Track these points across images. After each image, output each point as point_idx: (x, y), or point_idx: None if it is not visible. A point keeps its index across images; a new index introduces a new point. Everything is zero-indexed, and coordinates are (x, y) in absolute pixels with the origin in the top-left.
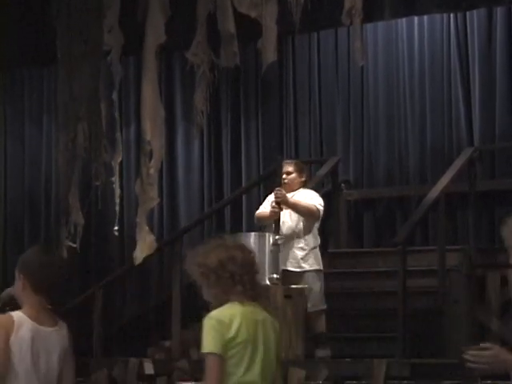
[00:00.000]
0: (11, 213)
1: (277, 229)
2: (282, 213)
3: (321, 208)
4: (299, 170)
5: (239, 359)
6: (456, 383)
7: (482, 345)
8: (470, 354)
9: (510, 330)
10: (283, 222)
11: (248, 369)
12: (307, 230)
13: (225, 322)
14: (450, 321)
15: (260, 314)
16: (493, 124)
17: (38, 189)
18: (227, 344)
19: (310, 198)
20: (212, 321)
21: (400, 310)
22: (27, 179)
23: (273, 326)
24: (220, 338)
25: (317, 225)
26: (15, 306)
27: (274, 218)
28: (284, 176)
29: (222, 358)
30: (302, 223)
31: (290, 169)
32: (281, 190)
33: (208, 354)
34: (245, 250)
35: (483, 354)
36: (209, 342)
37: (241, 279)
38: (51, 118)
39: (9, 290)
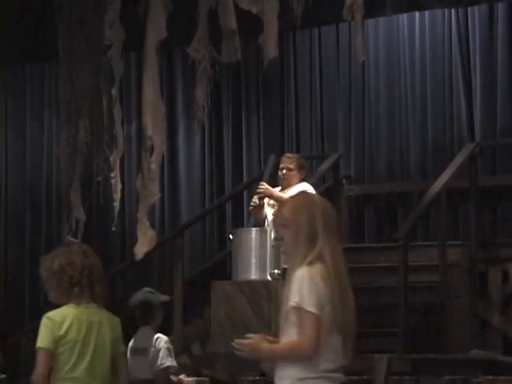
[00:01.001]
0: (13, 208)
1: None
2: (270, 210)
3: None
4: (299, 167)
5: (68, 356)
6: (457, 378)
7: (247, 335)
8: (237, 343)
9: (510, 325)
10: (272, 219)
11: (75, 365)
12: None
13: (57, 321)
14: (451, 316)
15: (96, 316)
16: (494, 119)
17: (40, 184)
18: (58, 341)
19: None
20: (46, 319)
21: (401, 306)
22: (29, 175)
23: (110, 326)
24: (51, 335)
25: None
26: (147, 310)
27: (258, 212)
28: (284, 171)
29: (50, 352)
30: None
31: (292, 165)
32: (263, 184)
33: (39, 348)
34: (88, 255)
35: (244, 343)
36: (41, 338)
37: (79, 283)
38: (52, 114)
39: (139, 295)
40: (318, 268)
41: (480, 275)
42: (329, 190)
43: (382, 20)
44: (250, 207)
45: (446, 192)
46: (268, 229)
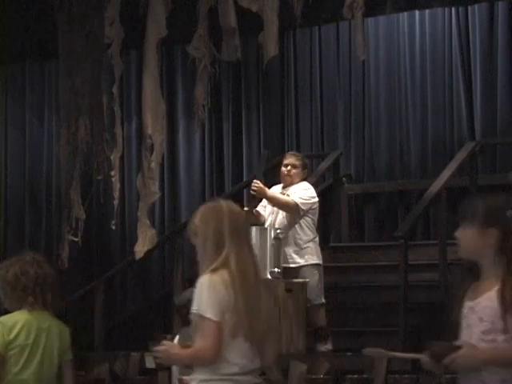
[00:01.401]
0: (12, 206)
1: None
2: (267, 209)
3: (301, 201)
4: (304, 165)
5: (17, 359)
6: (457, 377)
7: (162, 342)
8: (154, 350)
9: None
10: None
11: (23, 368)
12: (293, 225)
13: (7, 325)
14: (451, 314)
15: (47, 322)
16: (494, 118)
17: (40, 183)
18: (8, 345)
19: (303, 189)
20: None
21: (401, 304)
22: (28, 173)
23: (59, 333)
24: (1, 339)
25: (311, 218)
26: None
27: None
28: (289, 168)
29: (1, 356)
30: (285, 219)
31: (297, 163)
32: (258, 183)
33: None
34: (41, 265)
35: (159, 349)
36: None
37: (32, 292)
38: (52, 112)
39: (188, 294)
40: (220, 275)
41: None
42: (329, 188)
43: (382, 18)
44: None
45: (446, 191)
46: (268, 228)
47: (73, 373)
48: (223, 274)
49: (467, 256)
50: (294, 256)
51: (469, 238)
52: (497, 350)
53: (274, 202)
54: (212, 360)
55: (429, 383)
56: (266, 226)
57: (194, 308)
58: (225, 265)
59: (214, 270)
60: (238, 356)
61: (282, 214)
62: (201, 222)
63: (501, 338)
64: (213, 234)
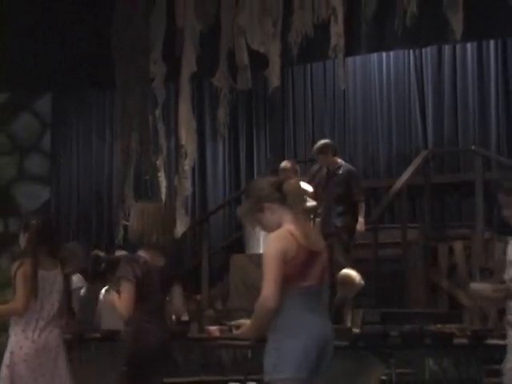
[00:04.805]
0: (83, 202)
1: None
2: None
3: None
4: (294, 170)
5: None
6: (416, 326)
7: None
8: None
9: (454, 287)
10: None
11: None
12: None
13: None
14: (410, 281)
15: None
16: (442, 132)
17: (102, 183)
18: None
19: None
20: None
21: (373, 273)
22: (94, 176)
23: None
24: None
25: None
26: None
27: None
28: (289, 171)
29: None
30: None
31: (295, 167)
32: None
33: None
34: None
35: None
36: None
37: None
38: (111, 129)
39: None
40: None
41: (432, 250)
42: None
43: (358, 58)
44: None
45: (406, 187)
46: None
47: None
48: None
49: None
50: None
51: None
52: None
53: None
54: None
55: None
56: None
57: None
58: None
59: None
60: None
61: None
62: None
63: None
64: None
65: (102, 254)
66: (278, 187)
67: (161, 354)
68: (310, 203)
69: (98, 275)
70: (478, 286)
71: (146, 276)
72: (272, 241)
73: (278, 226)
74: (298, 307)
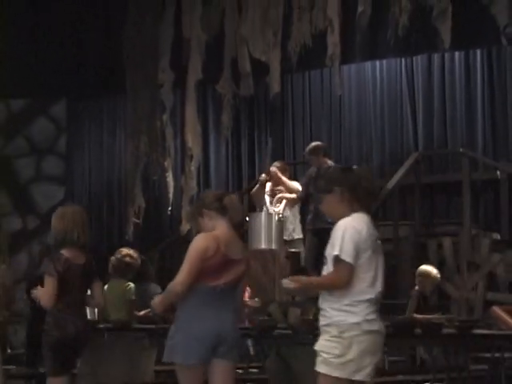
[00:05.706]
0: (94, 200)
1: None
2: (267, 197)
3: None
4: (283, 170)
5: None
6: (405, 317)
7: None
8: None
9: (443, 280)
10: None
11: None
12: (291, 207)
13: None
14: (401, 274)
15: None
16: (432, 135)
17: (113, 183)
18: None
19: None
20: None
21: None
22: (105, 176)
23: None
24: None
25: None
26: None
27: (259, 192)
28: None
29: None
30: (283, 203)
31: (281, 166)
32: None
33: None
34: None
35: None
36: None
37: None
38: (121, 132)
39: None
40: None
41: (422, 245)
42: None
43: (353, 65)
44: (258, 183)
45: (398, 187)
46: (272, 213)
47: None
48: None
49: None
50: (292, 232)
51: None
52: None
53: (285, 184)
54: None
55: None
56: (265, 208)
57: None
58: None
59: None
60: None
61: (282, 205)
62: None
63: None
64: None
65: None
66: (220, 199)
67: (78, 340)
68: (289, 195)
69: None
70: (286, 282)
71: (66, 272)
72: (199, 238)
73: (212, 230)
74: (197, 303)
